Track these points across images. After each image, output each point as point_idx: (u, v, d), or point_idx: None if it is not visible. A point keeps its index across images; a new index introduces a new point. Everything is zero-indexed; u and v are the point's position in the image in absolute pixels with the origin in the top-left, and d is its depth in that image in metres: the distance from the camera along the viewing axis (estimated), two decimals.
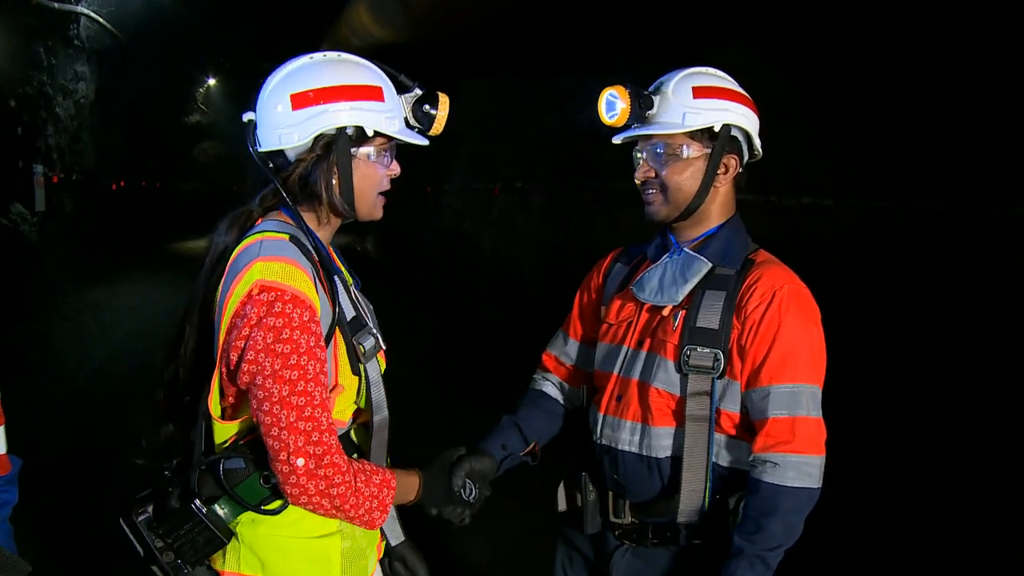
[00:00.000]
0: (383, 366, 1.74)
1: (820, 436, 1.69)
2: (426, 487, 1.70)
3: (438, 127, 1.70)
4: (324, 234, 1.71)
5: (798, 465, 1.65)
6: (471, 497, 1.76)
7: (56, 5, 9.74)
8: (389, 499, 1.59)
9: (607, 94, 1.82)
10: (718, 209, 1.85)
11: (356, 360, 1.64)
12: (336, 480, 1.50)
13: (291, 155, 1.63)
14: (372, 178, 1.66)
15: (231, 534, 1.61)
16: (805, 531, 1.69)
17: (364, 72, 1.64)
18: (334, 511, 1.54)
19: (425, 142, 1.70)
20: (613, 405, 1.86)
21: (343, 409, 1.67)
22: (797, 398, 1.68)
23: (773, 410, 1.68)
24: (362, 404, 1.70)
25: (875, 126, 4.88)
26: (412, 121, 1.69)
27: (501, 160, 11.47)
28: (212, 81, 21.06)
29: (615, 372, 1.88)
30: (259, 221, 1.68)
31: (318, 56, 1.65)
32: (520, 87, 10.28)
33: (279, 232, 1.61)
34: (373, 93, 1.61)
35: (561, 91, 9.27)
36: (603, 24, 7.69)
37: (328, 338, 1.57)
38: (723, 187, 1.84)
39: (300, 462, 1.47)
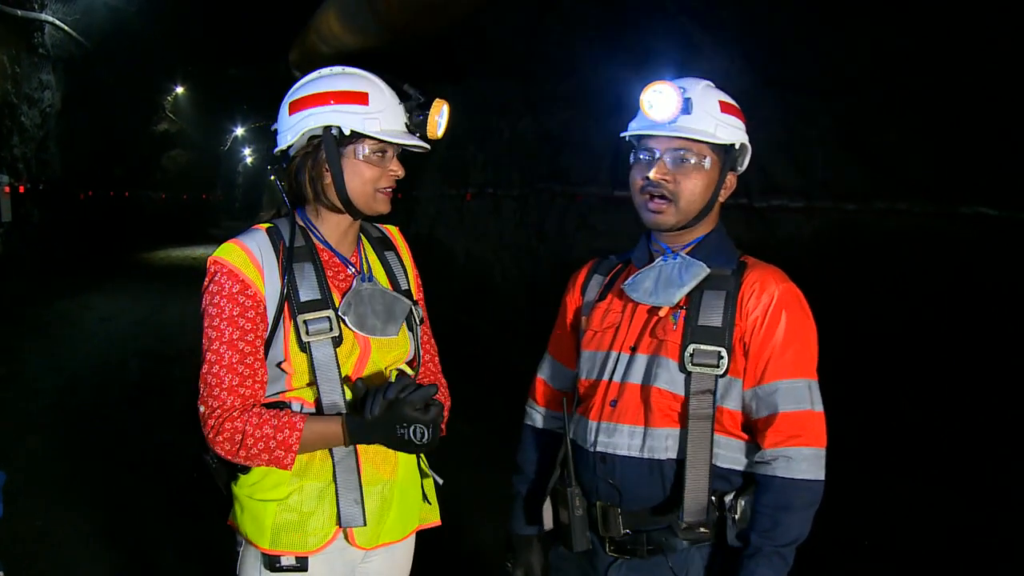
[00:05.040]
0: (357, 354, 1.81)
1: (824, 428, 1.73)
2: (352, 432, 1.71)
3: (432, 130, 1.83)
4: (328, 228, 1.86)
5: (809, 457, 1.69)
6: (423, 440, 1.68)
7: (20, 13, 9.65)
8: (293, 439, 1.69)
9: (655, 88, 1.79)
10: (707, 220, 1.87)
11: (301, 338, 1.76)
12: (225, 427, 1.69)
13: (292, 155, 1.84)
14: (364, 175, 1.79)
15: (228, 488, 1.85)
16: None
17: (355, 81, 1.81)
18: (238, 450, 1.70)
19: (405, 141, 1.80)
20: (607, 411, 1.83)
21: (301, 387, 1.79)
22: (803, 392, 1.72)
23: (783, 405, 1.71)
24: (308, 381, 1.78)
25: (843, 126, 4.94)
26: (411, 126, 1.83)
27: (473, 166, 11.49)
28: (180, 89, 20.89)
29: (606, 378, 1.85)
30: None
31: (325, 71, 1.85)
32: (490, 92, 10.30)
33: (264, 223, 1.85)
34: (357, 98, 1.77)
35: (531, 95, 9.30)
36: (570, 28, 7.74)
37: (279, 314, 1.75)
38: (718, 201, 1.87)
39: (201, 408, 1.73)
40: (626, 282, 1.87)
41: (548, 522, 1.94)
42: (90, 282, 12.99)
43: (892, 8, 4.27)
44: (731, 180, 1.87)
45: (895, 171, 4.64)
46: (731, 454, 1.78)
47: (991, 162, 4.05)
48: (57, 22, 11.00)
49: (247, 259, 1.75)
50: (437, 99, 1.84)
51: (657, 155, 1.81)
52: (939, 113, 4.24)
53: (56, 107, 11.60)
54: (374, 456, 1.83)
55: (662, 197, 1.80)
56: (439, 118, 1.85)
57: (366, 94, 1.78)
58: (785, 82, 5.13)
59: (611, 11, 6.69)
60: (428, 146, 1.84)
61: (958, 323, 4.24)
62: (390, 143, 1.80)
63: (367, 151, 1.78)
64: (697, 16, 5.74)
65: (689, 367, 1.74)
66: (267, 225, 1.84)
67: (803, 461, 1.68)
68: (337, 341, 1.77)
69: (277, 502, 1.79)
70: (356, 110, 1.76)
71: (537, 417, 2.10)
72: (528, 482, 2.07)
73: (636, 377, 1.81)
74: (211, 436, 1.71)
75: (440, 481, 2.01)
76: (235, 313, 1.72)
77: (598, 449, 1.82)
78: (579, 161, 8.41)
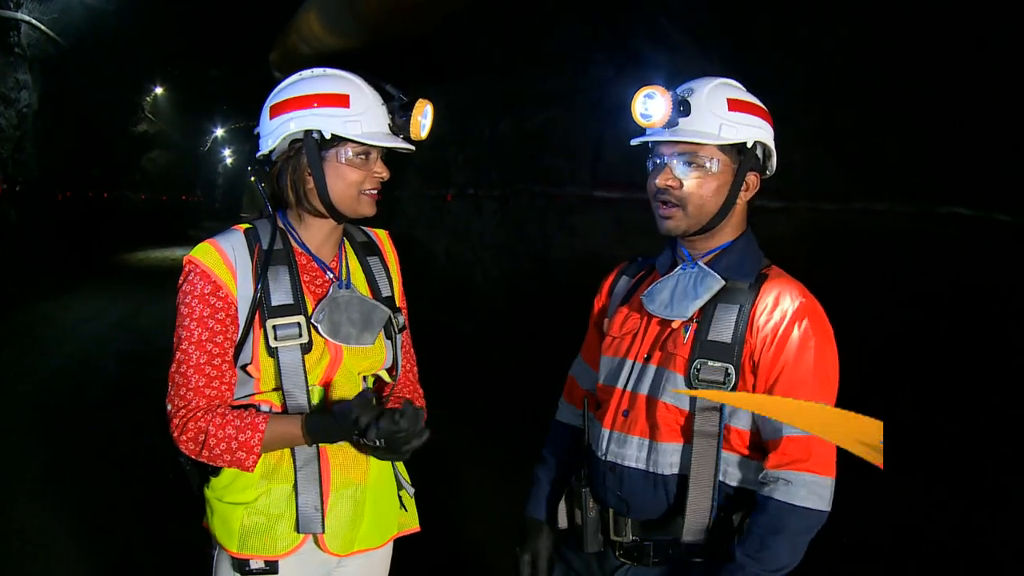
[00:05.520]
0: (327, 360, 1.79)
1: (833, 457, 1.65)
2: (311, 432, 1.70)
3: (415, 131, 1.81)
4: (309, 232, 1.85)
5: (810, 484, 1.61)
6: (379, 444, 1.63)
7: None
8: (255, 441, 1.68)
9: (645, 93, 1.74)
10: (733, 225, 1.81)
11: (269, 343, 1.75)
12: (189, 426, 1.70)
13: (274, 159, 1.81)
14: (347, 178, 1.77)
15: (200, 490, 1.84)
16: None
17: (335, 83, 1.78)
18: (201, 450, 1.71)
19: (387, 144, 1.78)
20: (620, 420, 1.80)
21: (268, 391, 1.78)
22: None
23: (788, 428, 1.63)
24: (275, 386, 1.77)
25: (821, 127, 4.98)
26: (394, 127, 1.81)
27: (453, 166, 11.49)
28: (159, 89, 20.77)
29: (620, 386, 1.82)
30: None
31: (306, 72, 1.82)
32: (470, 91, 10.31)
33: (243, 224, 1.84)
34: (338, 100, 1.74)
35: (512, 96, 9.31)
36: (551, 29, 7.76)
37: (251, 317, 1.74)
38: (741, 204, 1.80)
39: (168, 407, 1.73)
40: (645, 291, 1.83)
41: (563, 521, 1.94)
42: (69, 283, 12.88)
43: (874, 9, 4.29)
44: (753, 181, 1.80)
45: (872, 171, 4.67)
46: (741, 473, 1.73)
47: (972, 163, 4.09)
48: (33, 21, 10.91)
49: (220, 260, 1.74)
50: (420, 99, 1.81)
51: (664, 161, 1.77)
52: (921, 114, 4.26)
53: (33, 107, 11.50)
54: (344, 460, 1.82)
55: (671, 203, 1.76)
56: (422, 119, 1.82)
57: (347, 96, 1.75)
58: (762, 82, 5.15)
59: (592, 12, 6.72)
60: (412, 147, 1.82)
61: (934, 321, 4.27)
62: (372, 146, 1.78)
63: (350, 154, 1.76)
64: (676, 17, 5.76)
65: (695, 383, 1.69)
66: (246, 226, 1.82)
67: (802, 487, 1.61)
68: (306, 348, 1.75)
69: (245, 505, 1.77)
70: (337, 113, 1.73)
71: (565, 412, 2.11)
72: (548, 472, 2.05)
73: (646, 388, 1.78)
74: (176, 435, 1.72)
75: (412, 491, 1.99)
76: (205, 314, 1.71)
77: (608, 458, 1.80)
78: (559, 161, 8.44)
